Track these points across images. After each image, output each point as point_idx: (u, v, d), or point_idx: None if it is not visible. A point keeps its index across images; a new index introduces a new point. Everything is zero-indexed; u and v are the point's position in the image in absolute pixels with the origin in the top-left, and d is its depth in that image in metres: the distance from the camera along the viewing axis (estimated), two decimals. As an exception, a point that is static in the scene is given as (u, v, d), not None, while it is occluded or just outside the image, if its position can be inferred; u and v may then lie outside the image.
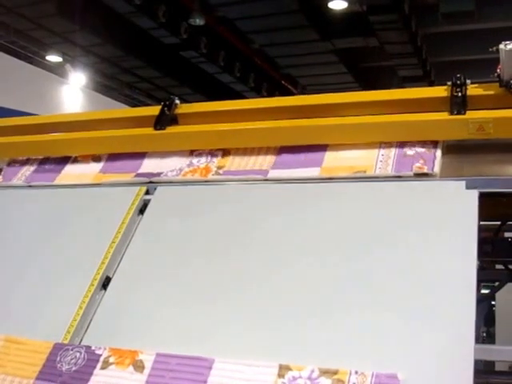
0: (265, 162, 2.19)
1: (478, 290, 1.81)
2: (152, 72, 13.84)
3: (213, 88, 14.28)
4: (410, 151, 2.00)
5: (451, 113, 1.96)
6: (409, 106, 2.09)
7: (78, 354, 1.77)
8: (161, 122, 2.37)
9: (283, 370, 1.55)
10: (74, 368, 1.74)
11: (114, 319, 1.90)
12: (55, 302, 2.01)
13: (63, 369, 1.75)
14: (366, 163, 2.03)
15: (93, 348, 1.78)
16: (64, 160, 2.54)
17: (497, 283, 3.92)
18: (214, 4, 11.30)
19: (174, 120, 2.39)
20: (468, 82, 2.01)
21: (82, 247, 2.14)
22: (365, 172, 1.99)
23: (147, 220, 2.14)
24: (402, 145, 2.03)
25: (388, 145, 2.05)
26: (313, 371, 1.52)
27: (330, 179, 2.03)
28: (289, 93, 14.67)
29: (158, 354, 1.69)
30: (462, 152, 2.01)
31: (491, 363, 3.79)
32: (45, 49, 12.63)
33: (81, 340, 1.86)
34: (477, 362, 1.45)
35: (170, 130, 2.36)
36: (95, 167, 2.45)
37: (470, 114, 1.94)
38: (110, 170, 2.41)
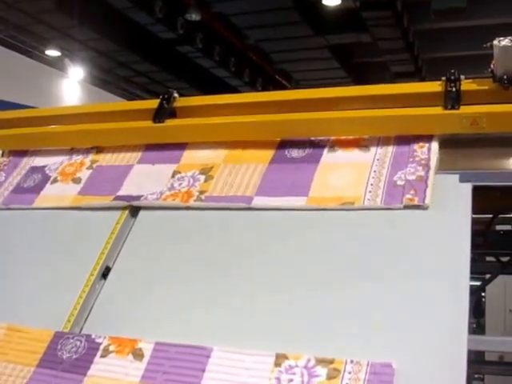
0: (249, 185, 2.06)
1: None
2: (149, 66, 13.81)
3: (208, 82, 14.26)
4: (400, 181, 1.88)
5: (445, 107, 1.95)
6: (403, 101, 2.08)
7: (78, 343, 1.78)
8: (159, 115, 2.31)
9: (280, 358, 1.56)
10: (74, 356, 1.75)
11: (113, 308, 1.91)
12: (56, 291, 2.01)
13: (64, 357, 1.76)
14: (355, 193, 1.91)
15: (93, 337, 1.78)
16: (43, 179, 2.42)
17: (487, 275, 3.98)
18: (210, 0, 11.35)
19: (172, 113, 2.33)
20: (462, 77, 2.00)
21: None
22: (353, 204, 1.88)
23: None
24: (392, 172, 1.92)
25: (378, 173, 1.94)
26: (309, 360, 1.53)
27: (317, 210, 1.92)
28: (283, 87, 14.68)
29: (157, 343, 1.70)
30: (456, 146, 1.99)
31: (481, 353, 3.86)
32: (44, 43, 12.63)
33: (81, 329, 1.86)
34: (468, 353, 1.47)
35: (169, 123, 2.30)
36: (74, 189, 2.32)
37: (464, 109, 1.92)
38: (90, 192, 2.29)
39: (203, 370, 1.60)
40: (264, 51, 13.58)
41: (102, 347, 1.75)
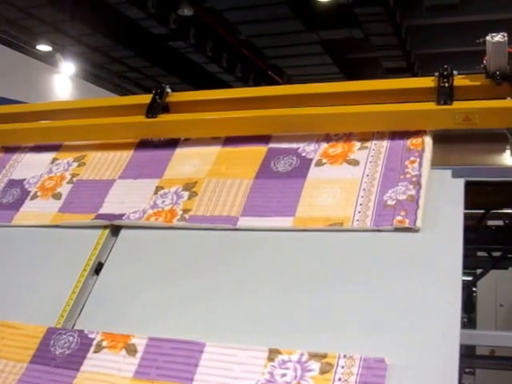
0: (234, 204, 1.99)
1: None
2: (141, 62, 13.81)
3: (200, 78, 14.27)
4: (390, 201, 1.82)
5: (438, 103, 1.95)
6: (396, 97, 2.08)
7: (71, 338, 1.78)
8: (152, 110, 2.29)
9: (273, 353, 1.56)
10: (67, 352, 1.75)
11: (106, 304, 1.91)
12: (48, 287, 2.01)
13: (57, 353, 1.76)
14: (343, 214, 1.84)
15: (86, 332, 1.78)
16: (23, 195, 2.34)
17: (478, 270, 4.00)
18: (202, -5, 11.38)
19: (165, 108, 2.32)
20: (455, 72, 1.99)
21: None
22: (341, 225, 1.82)
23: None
24: (383, 190, 1.86)
25: (367, 192, 1.87)
26: (302, 355, 1.54)
27: (304, 231, 1.86)
28: (275, 83, 14.67)
29: (150, 338, 1.70)
30: (448, 141, 2.00)
31: (473, 348, 3.89)
32: (35, 38, 12.59)
33: (74, 324, 1.86)
34: (459, 347, 1.48)
35: (162, 118, 2.29)
36: (54, 206, 2.25)
37: (457, 105, 1.93)
38: (70, 210, 2.21)
39: (196, 365, 1.61)
40: (256, 47, 13.59)
41: (94, 343, 1.76)
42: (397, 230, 1.75)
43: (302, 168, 2.04)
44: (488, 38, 1.87)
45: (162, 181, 2.17)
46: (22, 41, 12.51)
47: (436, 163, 1.91)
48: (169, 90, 2.36)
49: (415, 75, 13.07)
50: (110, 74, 14.91)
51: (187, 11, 11.37)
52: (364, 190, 1.88)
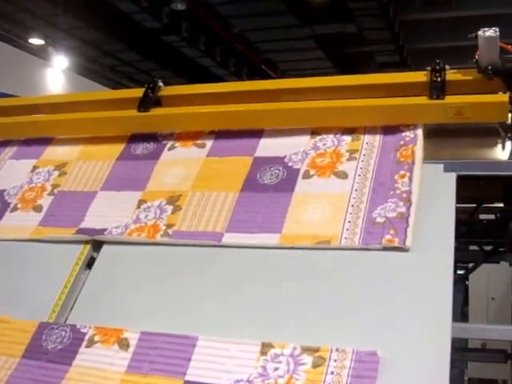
0: (219, 219, 1.95)
1: (455, 270, 1.84)
2: (134, 55, 13.73)
3: (194, 72, 14.24)
4: (379, 218, 1.79)
5: (430, 97, 1.97)
6: (388, 91, 2.10)
7: (63, 333, 1.79)
8: (144, 104, 2.31)
9: (265, 347, 1.57)
10: (59, 346, 1.76)
11: (98, 298, 1.92)
12: (40, 281, 2.02)
13: (49, 347, 1.77)
14: (331, 232, 1.79)
15: (78, 327, 1.79)
16: (2, 207, 2.29)
17: (470, 264, 4.02)
18: (196, -11, 11.34)
19: (157, 102, 2.34)
20: (447, 67, 2.02)
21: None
22: (329, 243, 1.78)
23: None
24: (371, 207, 1.82)
25: (356, 208, 1.84)
26: (295, 349, 1.55)
27: (291, 249, 1.82)
28: (268, 77, 14.65)
29: (142, 333, 1.71)
30: (440, 136, 2.04)
31: (465, 341, 3.90)
32: (27, 32, 12.51)
33: (66, 319, 1.87)
34: (452, 340, 1.50)
35: (154, 111, 2.30)
36: (35, 218, 2.20)
37: (449, 99, 1.95)
38: (51, 223, 2.16)
39: (189, 359, 1.62)
40: (250, 41, 13.55)
41: (87, 337, 1.76)
42: (386, 249, 1.72)
43: (289, 180, 2.00)
44: (480, 32, 1.88)
45: (145, 193, 2.13)
46: (15, 34, 12.42)
47: (428, 157, 1.92)
48: (161, 84, 2.36)
49: (408, 69, 13.09)
50: (102, 67, 14.86)
51: (180, 5, 11.31)
52: (353, 206, 1.85)
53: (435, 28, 11.92)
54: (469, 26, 2.06)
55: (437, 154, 1.95)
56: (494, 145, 1.98)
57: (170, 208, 2.04)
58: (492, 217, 3.56)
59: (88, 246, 2.05)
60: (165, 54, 13.67)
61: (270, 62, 14.79)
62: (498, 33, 1.85)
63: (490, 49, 1.88)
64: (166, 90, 2.37)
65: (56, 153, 2.44)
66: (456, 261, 1.64)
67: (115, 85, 15.44)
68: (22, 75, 11.47)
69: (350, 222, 1.80)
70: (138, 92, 2.36)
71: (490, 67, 1.90)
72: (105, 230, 2.05)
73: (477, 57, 1.93)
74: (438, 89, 1.97)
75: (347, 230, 1.79)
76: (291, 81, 2.30)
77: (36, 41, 12.96)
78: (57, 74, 13.36)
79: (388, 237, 1.73)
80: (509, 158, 2.02)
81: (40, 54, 13.00)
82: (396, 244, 1.71)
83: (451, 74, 2.01)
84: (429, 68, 2.02)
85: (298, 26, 12.22)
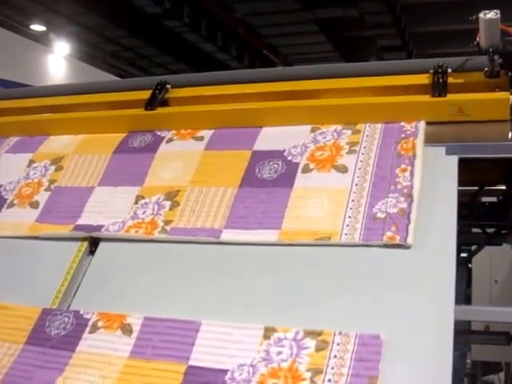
0: (218, 216, 1.92)
1: (458, 253, 1.83)
2: (135, 41, 13.73)
3: (195, 57, 14.22)
4: (380, 213, 1.76)
5: (432, 95, 1.98)
6: (391, 90, 2.12)
7: (66, 319, 1.79)
8: (151, 104, 2.33)
9: (269, 331, 1.57)
10: (62, 332, 1.76)
11: (101, 284, 1.92)
12: (43, 267, 2.02)
13: (52, 333, 1.77)
14: (331, 228, 1.77)
15: (81, 312, 1.79)
16: (0, 203, 2.27)
17: (473, 247, 4.02)
18: (197, -26, 11.30)
19: (164, 103, 2.36)
20: (449, 70, 2.02)
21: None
22: (329, 239, 1.75)
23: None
24: (372, 201, 1.80)
25: (356, 203, 1.81)
26: (298, 333, 1.55)
27: (290, 246, 1.80)
28: (270, 62, 14.64)
29: (145, 318, 1.72)
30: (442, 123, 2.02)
31: (468, 323, 3.91)
32: (29, 18, 12.50)
33: (69, 305, 1.87)
34: (455, 322, 1.50)
35: (160, 110, 2.32)
36: (32, 215, 2.17)
37: (451, 97, 1.96)
38: (48, 220, 2.14)
39: (192, 344, 1.63)
40: (251, 25, 13.52)
41: (90, 323, 1.77)
42: (386, 246, 1.71)
43: (288, 175, 1.98)
44: (481, 15, 1.88)
45: (143, 189, 2.11)
46: (16, 21, 12.41)
47: (430, 140, 1.93)
48: (168, 86, 2.38)
49: (410, 53, 13.06)
50: (104, 53, 14.84)
51: (182, -10, 11.31)
52: (353, 201, 1.82)
53: (436, 12, 11.87)
54: (471, 9, 2.05)
55: (438, 137, 1.96)
56: (495, 128, 1.98)
57: (168, 204, 2.01)
58: (494, 199, 3.56)
59: (85, 244, 2.03)
60: (166, 39, 13.64)
61: (271, 46, 14.76)
62: (498, 15, 1.85)
63: (491, 31, 1.88)
64: (174, 92, 2.39)
65: (53, 146, 2.43)
66: (459, 244, 1.64)
67: (117, 70, 15.44)
68: (23, 61, 11.48)
69: (350, 217, 1.78)
70: (145, 94, 2.39)
71: (491, 49, 1.90)
72: (102, 226, 2.03)
73: (478, 39, 1.92)
74: (439, 88, 1.98)
75: (347, 225, 1.77)
76: (298, 83, 2.29)
77: (37, 27, 12.95)
78: (58, 60, 13.37)
79: (389, 234, 1.71)
80: (511, 140, 2.01)
81: (41, 40, 12.99)
82: (397, 241, 1.69)
83: (452, 76, 2.03)
84: (431, 71, 2.04)
85: (299, 10, 12.19)
